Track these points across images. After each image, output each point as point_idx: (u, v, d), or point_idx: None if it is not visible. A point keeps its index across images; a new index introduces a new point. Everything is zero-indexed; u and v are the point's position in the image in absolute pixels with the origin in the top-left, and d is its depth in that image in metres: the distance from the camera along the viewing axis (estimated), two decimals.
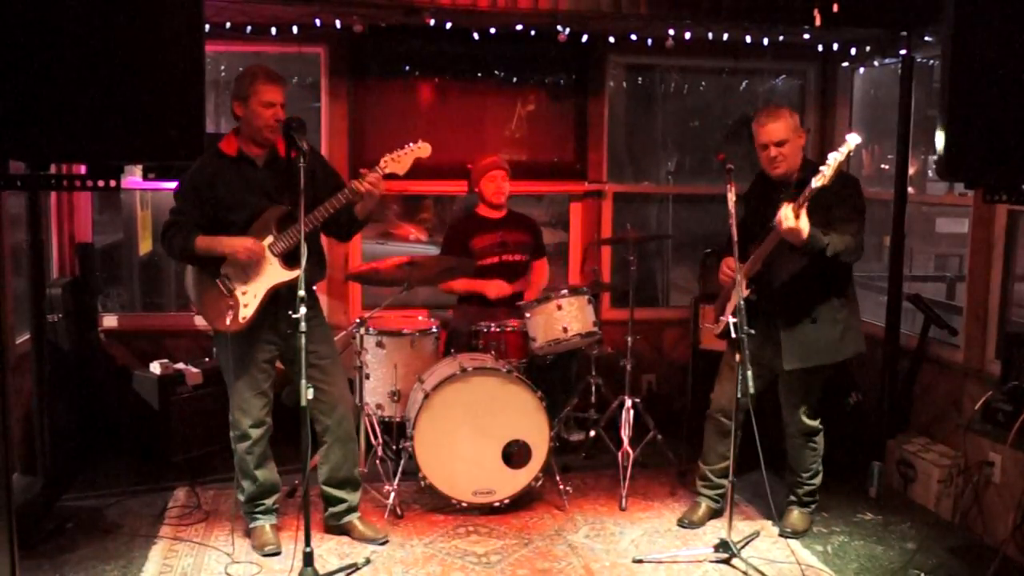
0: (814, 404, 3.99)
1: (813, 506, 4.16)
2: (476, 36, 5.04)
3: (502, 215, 5.05)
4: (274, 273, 3.65)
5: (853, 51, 5.48)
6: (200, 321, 5.20)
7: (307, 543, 3.38)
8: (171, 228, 3.68)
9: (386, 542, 3.91)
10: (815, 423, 4.01)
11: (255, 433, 3.79)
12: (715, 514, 4.19)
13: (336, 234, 3.95)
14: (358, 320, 4.51)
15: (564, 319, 4.49)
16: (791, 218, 3.47)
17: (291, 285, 3.58)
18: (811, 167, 3.90)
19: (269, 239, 3.65)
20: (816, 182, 3.46)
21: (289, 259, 3.64)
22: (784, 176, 3.83)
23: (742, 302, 3.56)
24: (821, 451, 4.08)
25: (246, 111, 3.63)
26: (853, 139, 3.49)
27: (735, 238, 3.65)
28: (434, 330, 4.64)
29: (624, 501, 4.35)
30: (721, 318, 4.04)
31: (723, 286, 4.05)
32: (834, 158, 3.45)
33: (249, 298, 3.65)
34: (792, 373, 3.89)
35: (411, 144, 3.74)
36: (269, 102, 3.59)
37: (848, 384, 5.07)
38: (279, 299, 3.66)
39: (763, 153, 3.83)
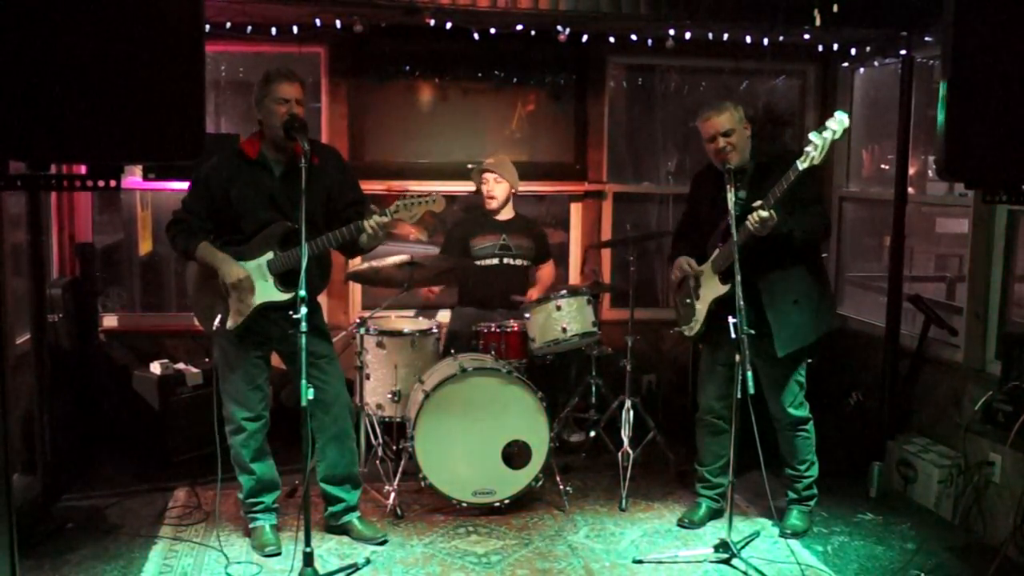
0: (799, 393, 4.00)
1: (812, 503, 4.16)
2: (476, 36, 5.04)
3: (509, 216, 5.06)
4: (268, 291, 3.65)
5: (853, 51, 5.48)
6: None
7: (307, 543, 3.37)
8: (178, 224, 3.69)
9: (385, 542, 3.90)
10: (803, 412, 4.01)
11: (251, 427, 3.79)
12: (715, 514, 4.19)
13: (340, 251, 3.94)
14: (358, 320, 4.52)
15: (563, 319, 4.49)
16: (762, 218, 3.57)
17: (282, 304, 3.58)
18: (764, 152, 3.91)
19: (269, 255, 3.65)
20: (802, 164, 3.50)
21: (285, 279, 3.63)
22: (739, 166, 3.84)
23: (742, 303, 3.55)
24: (814, 440, 4.08)
25: (264, 112, 3.61)
26: (842, 117, 3.49)
27: (735, 239, 3.65)
28: (434, 330, 4.64)
29: (624, 501, 4.35)
30: (694, 319, 4.05)
31: (679, 287, 4.14)
32: (822, 139, 3.47)
33: (240, 308, 3.65)
34: (775, 364, 3.89)
35: (427, 196, 3.66)
36: (283, 98, 3.57)
37: (848, 384, 5.07)
38: (270, 310, 3.67)
39: (711, 146, 3.86)
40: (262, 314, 3.67)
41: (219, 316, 3.66)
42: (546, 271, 5.23)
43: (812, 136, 3.50)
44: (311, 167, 3.43)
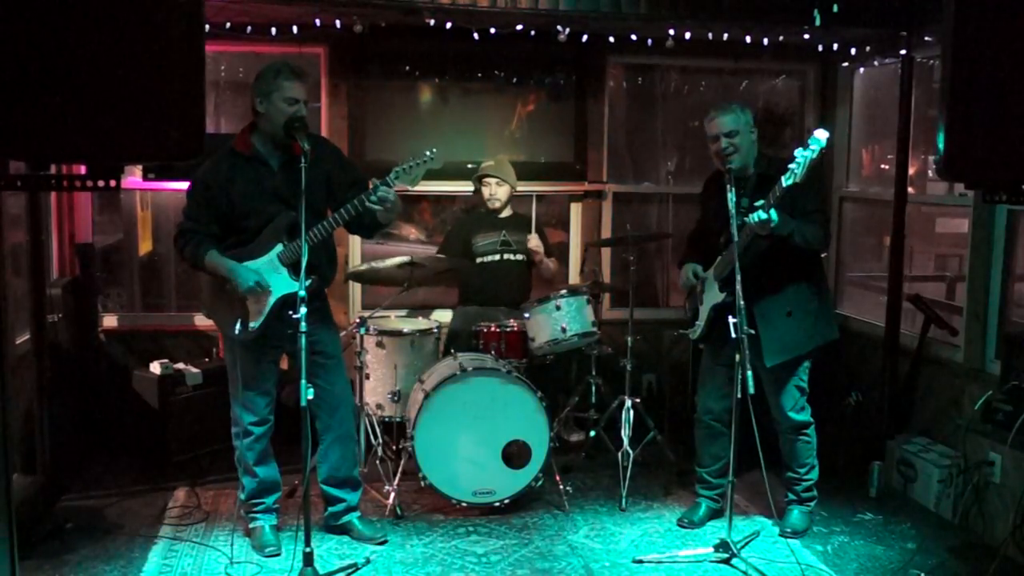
0: (800, 398, 3.99)
1: (812, 503, 4.16)
2: (476, 36, 5.04)
3: (508, 214, 5.08)
4: (283, 283, 3.63)
5: (853, 51, 5.48)
6: (200, 321, 5.21)
7: (307, 543, 3.38)
8: (184, 235, 3.65)
9: (385, 542, 3.90)
10: (804, 417, 4.01)
11: (257, 430, 3.79)
12: (715, 514, 4.19)
13: (359, 234, 3.99)
14: (358, 320, 4.51)
15: (563, 319, 4.49)
16: (763, 219, 3.56)
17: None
18: (768, 161, 3.92)
19: (279, 247, 3.64)
20: (786, 180, 3.51)
21: (298, 268, 3.61)
22: (740, 169, 3.84)
23: (742, 303, 3.56)
24: (814, 444, 4.08)
25: (268, 107, 3.56)
26: (822, 135, 3.51)
27: (736, 239, 3.65)
28: (434, 330, 4.64)
29: (624, 501, 4.35)
30: (697, 323, 4.06)
31: (689, 291, 4.14)
32: (805, 157, 3.48)
33: (259, 307, 3.63)
34: (773, 369, 3.89)
35: (425, 154, 3.65)
36: (292, 99, 3.54)
37: (848, 384, 5.07)
38: (287, 304, 3.64)
39: (715, 146, 3.86)
40: (278, 312, 3.64)
41: (239, 320, 3.63)
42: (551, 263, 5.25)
43: (797, 153, 3.50)
44: (305, 162, 3.41)
